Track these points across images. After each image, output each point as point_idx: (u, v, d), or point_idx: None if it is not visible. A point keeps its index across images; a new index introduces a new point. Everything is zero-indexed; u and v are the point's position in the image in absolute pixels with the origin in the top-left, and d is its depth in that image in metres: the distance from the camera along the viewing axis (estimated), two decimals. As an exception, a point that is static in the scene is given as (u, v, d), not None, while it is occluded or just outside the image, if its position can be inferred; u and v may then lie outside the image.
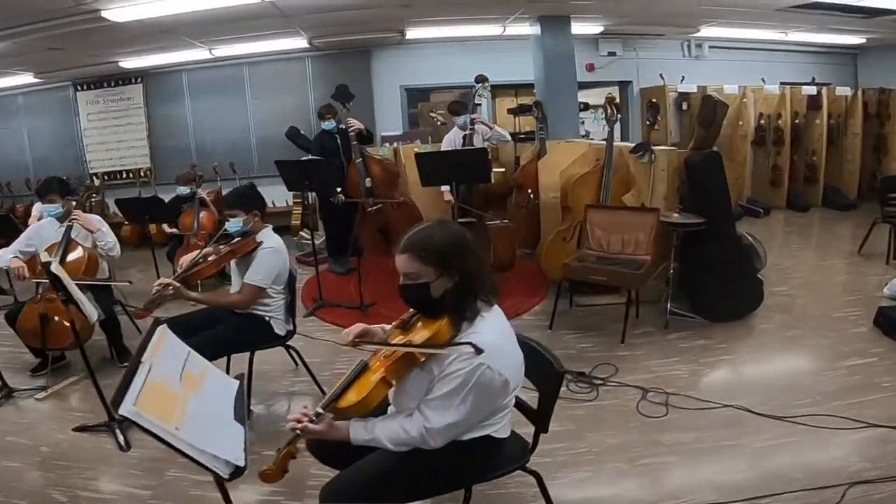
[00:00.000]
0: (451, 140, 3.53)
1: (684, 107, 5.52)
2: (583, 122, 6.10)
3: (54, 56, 3.80)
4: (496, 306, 1.13)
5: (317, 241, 4.09)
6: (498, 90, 6.18)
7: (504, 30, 4.95)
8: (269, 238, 1.95)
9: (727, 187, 2.88)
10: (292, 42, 4.53)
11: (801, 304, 3.00)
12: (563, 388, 2.01)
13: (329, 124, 3.70)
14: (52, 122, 5.53)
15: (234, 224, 1.91)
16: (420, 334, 1.08)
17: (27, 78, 4.78)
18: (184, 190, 3.87)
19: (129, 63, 4.66)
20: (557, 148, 4.00)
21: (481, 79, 3.34)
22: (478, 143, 3.41)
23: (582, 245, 2.92)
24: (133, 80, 5.27)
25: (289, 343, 2.10)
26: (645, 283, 2.63)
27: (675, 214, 2.73)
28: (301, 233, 4.79)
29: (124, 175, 5.65)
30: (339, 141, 3.72)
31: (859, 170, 5.44)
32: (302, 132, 5.05)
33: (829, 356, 2.33)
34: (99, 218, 2.55)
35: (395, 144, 5.10)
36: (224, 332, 1.87)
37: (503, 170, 3.33)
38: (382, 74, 5.57)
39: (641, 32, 5.58)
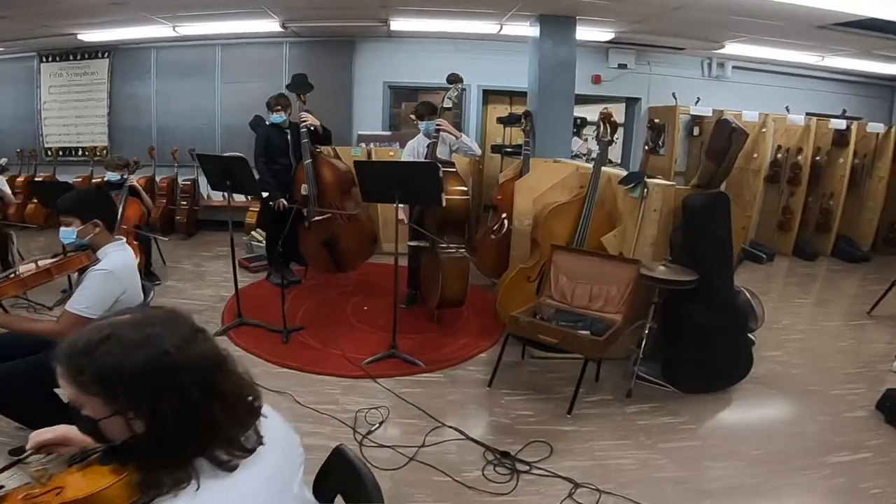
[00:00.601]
0: (414, 148, 3.25)
1: (695, 132, 5.17)
2: (585, 140, 5.79)
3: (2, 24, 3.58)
4: (256, 466, 0.71)
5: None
6: (491, 96, 5.93)
7: (501, 28, 4.67)
8: (109, 256, 1.64)
9: (731, 239, 2.53)
10: (265, 24, 4.31)
11: (795, 375, 2.71)
12: (477, 473, 1.84)
13: (278, 117, 3.45)
14: (14, 92, 5.39)
15: (66, 234, 1.62)
16: (76, 487, 0.71)
17: None
18: (113, 176, 3.62)
19: (89, 36, 4.51)
20: (540, 167, 3.74)
21: (454, 79, 3.05)
22: (442, 153, 3.11)
23: (542, 291, 2.62)
24: (100, 55, 5.11)
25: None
26: (607, 350, 2.31)
27: (662, 267, 2.41)
28: (253, 233, 4.54)
29: (79, 152, 5.47)
30: (288, 137, 3.46)
31: (878, 219, 5.05)
32: (267, 122, 4.81)
33: (814, 449, 2.05)
34: None
35: (372, 146, 4.86)
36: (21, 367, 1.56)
37: (464, 189, 2.99)
38: (365, 68, 5.34)
39: (658, 44, 5.23)
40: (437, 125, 3.01)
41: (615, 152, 6.29)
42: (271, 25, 4.35)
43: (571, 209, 2.78)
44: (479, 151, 3.14)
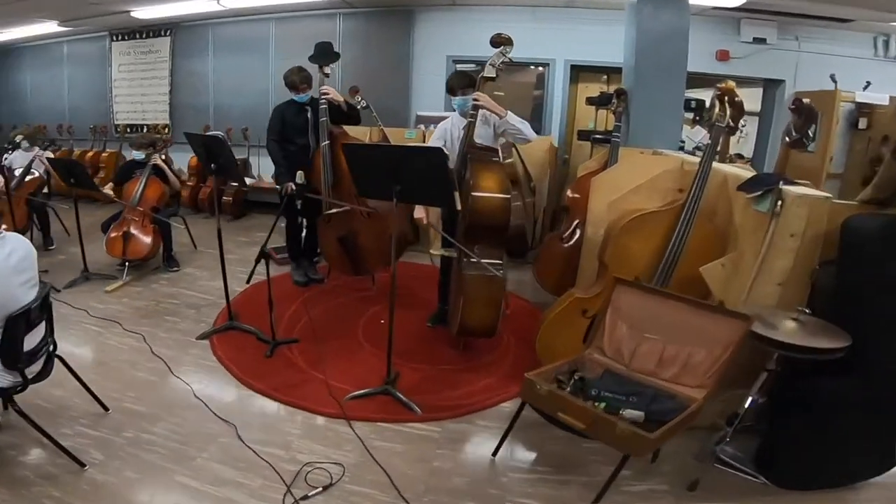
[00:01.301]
0: (446, 131, 2.83)
1: (861, 124, 4.06)
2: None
3: (52, 3, 3.98)
4: None
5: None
6: (582, 73, 5.38)
7: (590, -10, 4.09)
8: None
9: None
10: None
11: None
12: None
13: (303, 96, 3.29)
14: (90, 71, 6.12)
15: None
16: None
17: (52, 26, 5.26)
18: (138, 154, 3.83)
19: (141, 13, 4.83)
20: (631, 160, 3.20)
21: (500, 40, 2.56)
22: (484, 137, 2.69)
23: (590, 340, 2.07)
24: (163, 33, 5.54)
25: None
26: (658, 447, 1.73)
27: (791, 323, 1.74)
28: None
29: (144, 129, 6.03)
30: (308, 115, 3.31)
31: None
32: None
33: None
34: None
35: (432, 127, 4.63)
36: None
37: (504, 186, 2.51)
38: (426, 41, 5.11)
39: (813, 14, 4.24)
40: (475, 100, 2.54)
41: (746, 148, 5.32)
42: None
43: (660, 221, 2.16)
44: (532, 135, 2.62)
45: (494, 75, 2.56)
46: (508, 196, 2.48)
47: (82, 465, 1.82)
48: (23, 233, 4.31)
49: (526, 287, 3.82)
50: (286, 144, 3.34)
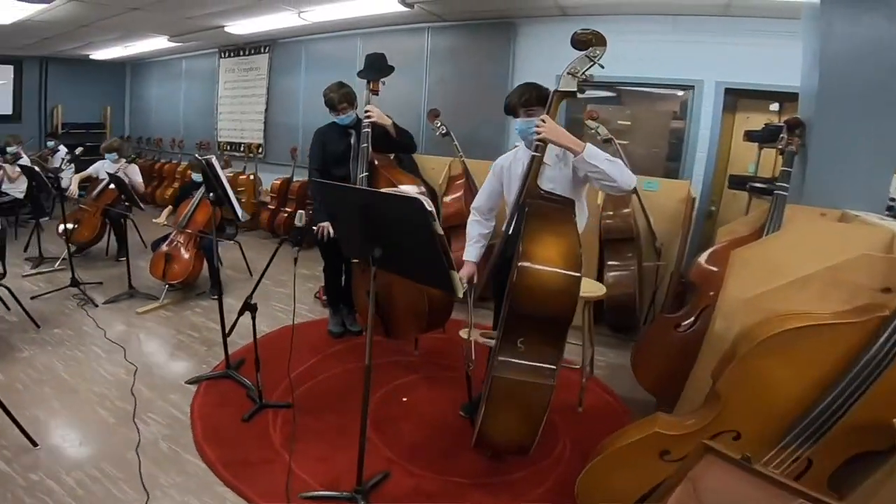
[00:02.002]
0: (503, 169, 2.30)
1: None
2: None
3: (145, 16, 4.61)
4: None
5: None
6: (742, 99, 4.55)
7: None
8: None
9: None
10: (387, 4, 4.25)
11: None
12: None
13: (345, 118, 3.10)
14: (202, 87, 7.04)
15: None
16: None
17: (163, 41, 6.13)
18: (197, 177, 4.04)
19: (234, 28, 5.34)
20: (800, 225, 2.40)
21: (586, 39, 1.96)
22: (558, 181, 2.10)
23: None
24: (262, 50, 6.11)
25: None
26: None
27: None
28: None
29: (241, 148, 6.64)
30: (352, 140, 3.10)
31: None
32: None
33: None
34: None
35: None
36: None
37: (571, 261, 1.83)
38: (530, 58, 4.81)
39: None
40: (537, 127, 1.94)
41: None
42: (393, 5, 4.27)
43: (838, 341, 1.44)
44: (626, 182, 1.94)
45: (575, 89, 1.99)
46: (576, 274, 1.84)
47: None
48: (96, 241, 5.01)
49: (619, 375, 3.13)
50: (325, 176, 3.09)
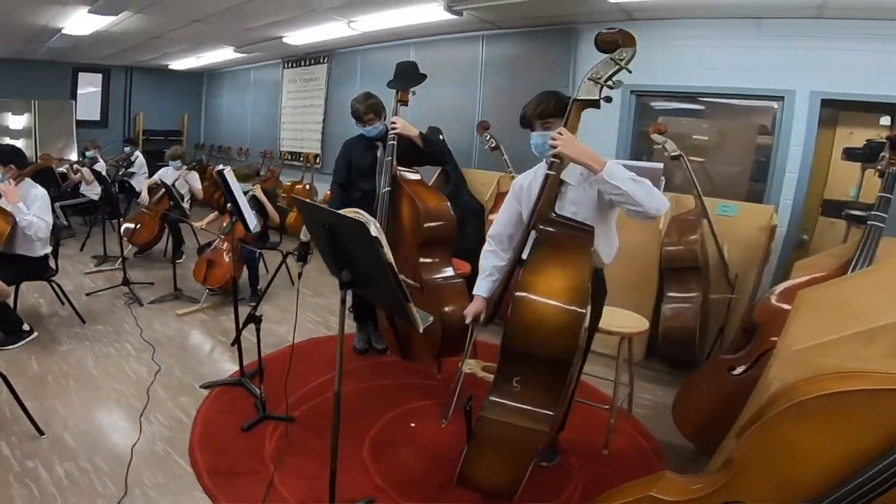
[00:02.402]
0: (522, 189, 2.19)
1: None
2: None
3: (207, 28, 5.10)
4: None
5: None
6: (845, 112, 4.17)
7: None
8: None
9: None
10: (433, 12, 4.37)
11: None
12: None
13: (372, 129, 3.20)
14: (267, 97, 7.61)
15: None
16: None
17: (230, 52, 6.70)
18: (244, 186, 4.33)
19: (292, 39, 5.72)
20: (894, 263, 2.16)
21: (611, 41, 1.87)
22: (584, 203, 2.01)
23: None
24: (321, 60, 6.50)
25: None
26: None
27: None
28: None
29: (300, 158, 7.06)
30: (378, 153, 3.19)
31: None
32: (442, 137, 4.90)
33: None
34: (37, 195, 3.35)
35: None
36: None
37: (571, 294, 1.74)
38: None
39: None
40: (553, 140, 1.85)
41: None
42: (435, 11, 4.36)
43: (887, 411, 1.26)
44: (655, 207, 1.81)
45: (598, 97, 1.89)
46: (579, 310, 1.73)
47: None
48: (154, 243, 5.53)
49: (664, 416, 2.94)
50: (350, 191, 3.24)
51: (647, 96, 4.68)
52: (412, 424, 2.79)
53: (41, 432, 2.39)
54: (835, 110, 4.14)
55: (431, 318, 1.78)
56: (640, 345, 3.86)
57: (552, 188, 1.91)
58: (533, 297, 1.75)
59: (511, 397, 1.84)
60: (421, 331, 1.67)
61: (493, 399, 1.86)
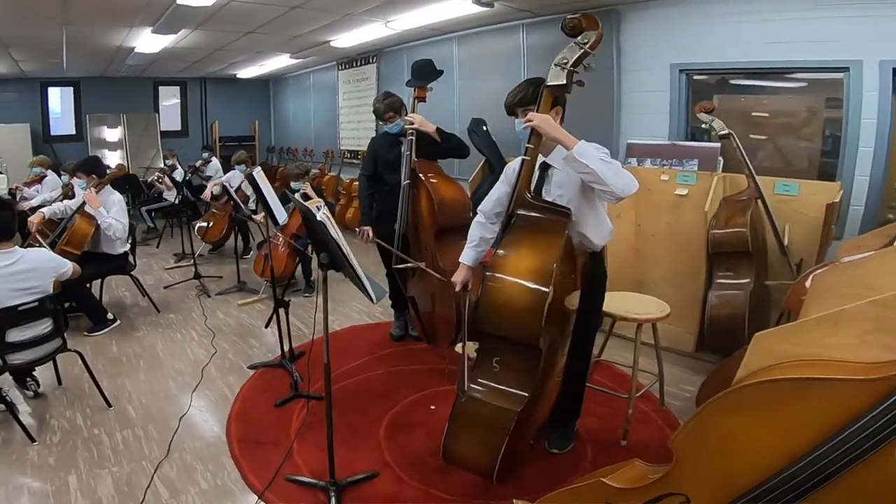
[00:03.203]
0: (514, 171, 2.22)
1: None
2: None
3: (260, 38, 5.63)
4: None
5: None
6: None
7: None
8: None
9: None
10: (462, 6, 4.51)
11: None
12: None
13: (394, 126, 3.40)
14: (326, 99, 8.11)
15: None
16: None
17: (286, 59, 7.21)
18: (296, 185, 4.73)
19: (338, 42, 6.07)
20: None
21: (576, 25, 2.00)
22: (567, 186, 2.11)
23: None
24: (371, 60, 6.83)
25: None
26: None
27: None
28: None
29: (358, 155, 7.47)
30: (402, 149, 3.40)
31: None
32: (486, 128, 5.02)
33: None
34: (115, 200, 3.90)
35: (648, 163, 4.22)
36: None
37: (525, 281, 1.86)
38: (639, 48, 4.66)
39: None
40: (527, 116, 1.99)
41: None
42: (464, 6, 4.49)
43: (829, 402, 1.20)
44: (622, 188, 1.89)
45: (564, 82, 2.00)
46: (543, 289, 1.83)
47: (32, 440, 2.52)
48: (225, 240, 6.13)
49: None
50: (379, 184, 3.52)
51: (698, 75, 4.54)
52: (432, 407, 2.98)
53: (109, 404, 2.87)
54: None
55: (386, 292, 2.00)
56: (691, 335, 3.81)
57: (528, 171, 2.04)
58: (499, 276, 1.89)
59: (490, 377, 1.98)
60: (373, 302, 1.97)
61: (474, 378, 2.02)
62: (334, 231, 1.89)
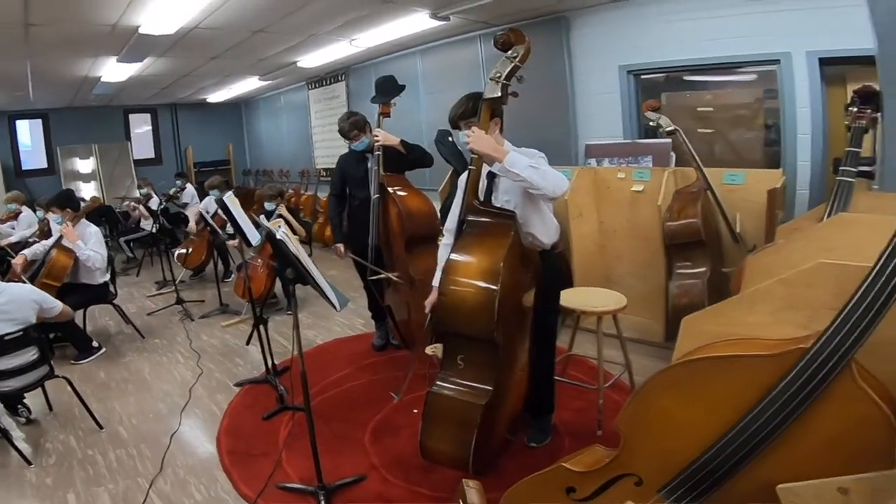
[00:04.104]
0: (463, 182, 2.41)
1: None
2: None
3: (226, 62, 5.73)
4: None
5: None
6: (855, 67, 4.13)
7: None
8: None
9: None
10: (421, 21, 4.69)
11: None
12: None
13: (359, 144, 3.55)
14: (297, 119, 8.19)
15: None
16: None
17: (255, 81, 7.33)
18: (269, 205, 4.84)
19: (305, 62, 6.22)
20: (847, 219, 2.24)
21: (506, 40, 2.13)
22: (513, 192, 2.29)
23: None
24: (340, 78, 6.98)
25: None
26: None
27: None
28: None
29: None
30: (368, 164, 3.56)
31: None
32: (451, 139, 5.19)
33: None
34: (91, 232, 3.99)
35: (606, 162, 4.41)
36: None
37: (474, 281, 2.07)
38: (588, 52, 4.87)
39: None
40: (467, 137, 2.15)
41: None
42: (422, 19, 4.68)
43: (746, 378, 1.29)
44: (552, 188, 2.07)
45: (499, 94, 2.14)
46: (492, 287, 2.00)
47: (29, 462, 2.64)
48: (205, 264, 6.19)
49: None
50: (350, 199, 3.68)
51: (644, 74, 4.76)
52: (415, 410, 3.06)
53: (101, 426, 2.97)
54: (841, 69, 4.07)
55: (349, 301, 2.16)
56: (659, 325, 3.97)
57: (475, 180, 2.22)
58: (452, 278, 2.07)
59: (455, 374, 2.14)
60: (337, 310, 2.12)
61: (441, 375, 2.19)
62: (293, 247, 2.05)
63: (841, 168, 2.73)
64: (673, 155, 4.28)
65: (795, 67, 4.03)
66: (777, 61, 4.10)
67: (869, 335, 1.12)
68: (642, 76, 4.78)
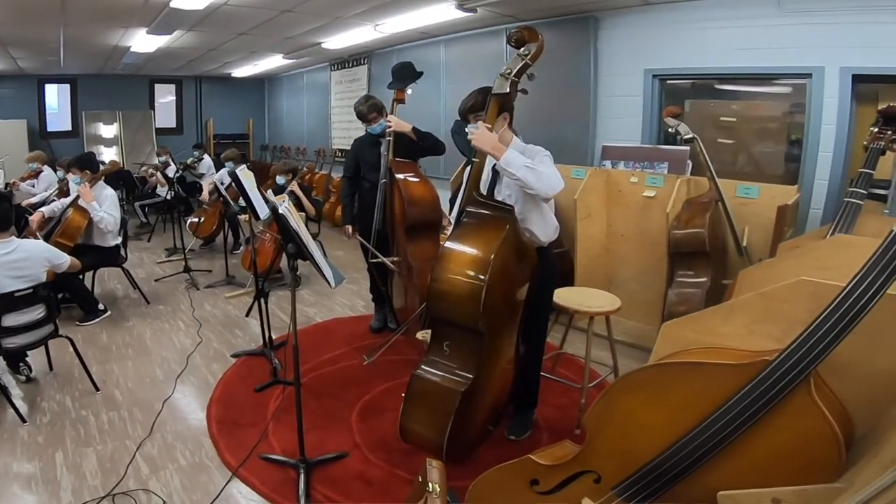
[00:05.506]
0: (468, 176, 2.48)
1: None
2: None
3: (253, 39, 5.83)
4: None
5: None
6: (889, 86, 4.06)
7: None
8: None
9: None
10: (446, 11, 4.70)
11: None
12: None
13: (377, 126, 3.59)
14: (318, 99, 8.30)
15: None
16: None
17: (279, 59, 7.41)
18: (280, 179, 4.92)
19: (328, 44, 6.26)
20: (841, 241, 2.33)
21: (520, 38, 2.18)
22: (514, 187, 2.38)
23: None
24: (362, 61, 7.03)
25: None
26: None
27: None
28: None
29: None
30: (382, 149, 3.59)
31: None
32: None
33: None
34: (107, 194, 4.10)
35: (622, 165, 4.39)
36: None
37: (461, 277, 2.13)
38: (615, 54, 4.85)
39: None
40: (471, 133, 2.19)
41: None
42: (447, 9, 4.70)
43: (708, 386, 1.33)
44: (545, 188, 2.11)
45: (508, 91, 2.18)
46: (478, 278, 2.04)
47: (24, 420, 2.72)
48: (216, 235, 6.32)
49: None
50: (362, 182, 3.72)
51: (670, 80, 4.74)
52: (403, 395, 3.16)
53: (97, 388, 3.07)
54: (873, 87, 4.00)
55: (344, 279, 2.22)
56: (657, 331, 3.97)
57: (477, 173, 2.26)
58: (444, 266, 2.11)
59: (440, 359, 2.20)
60: (331, 287, 2.16)
61: (427, 360, 2.25)
62: (294, 222, 2.11)
63: (849, 189, 2.73)
64: (690, 163, 4.25)
65: (827, 83, 3.97)
66: (809, 75, 4.04)
67: (828, 354, 1.15)
68: (668, 81, 4.74)
